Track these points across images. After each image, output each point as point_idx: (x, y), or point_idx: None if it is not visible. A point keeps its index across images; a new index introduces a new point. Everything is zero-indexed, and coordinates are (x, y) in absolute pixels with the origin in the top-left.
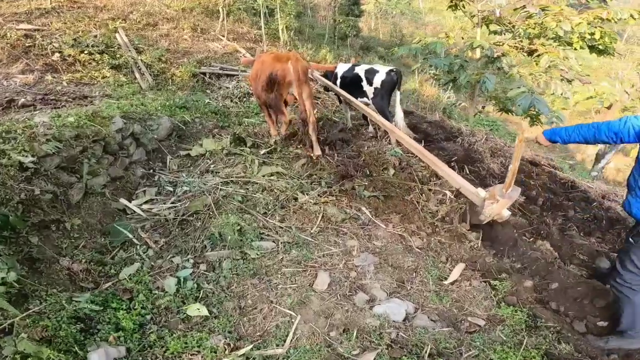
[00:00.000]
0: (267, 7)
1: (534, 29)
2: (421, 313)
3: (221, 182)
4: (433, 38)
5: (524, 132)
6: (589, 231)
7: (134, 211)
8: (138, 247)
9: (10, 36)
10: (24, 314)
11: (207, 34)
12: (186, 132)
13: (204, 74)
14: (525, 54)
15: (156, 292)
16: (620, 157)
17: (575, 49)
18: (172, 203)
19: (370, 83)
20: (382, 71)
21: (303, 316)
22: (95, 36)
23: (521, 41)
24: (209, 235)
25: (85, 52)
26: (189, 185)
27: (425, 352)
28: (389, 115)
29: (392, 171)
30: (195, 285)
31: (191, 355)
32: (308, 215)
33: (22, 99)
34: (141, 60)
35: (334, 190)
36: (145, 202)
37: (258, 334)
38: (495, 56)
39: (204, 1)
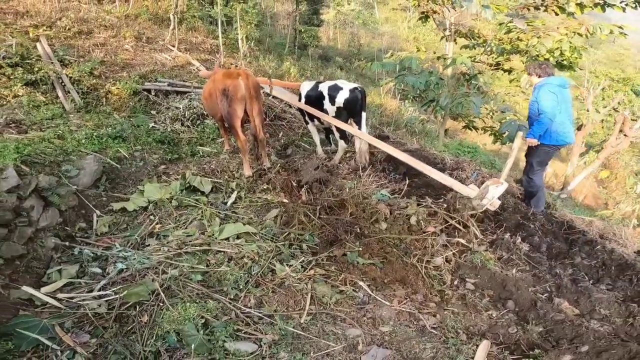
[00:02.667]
0: (225, 15)
1: (506, 44)
2: None
3: (172, 254)
4: (407, 53)
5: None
6: (597, 278)
7: (46, 302)
8: (59, 352)
9: None
10: None
11: (154, 43)
12: (121, 172)
13: (148, 90)
14: (502, 71)
15: None
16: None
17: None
18: (101, 289)
19: (332, 102)
20: (345, 88)
21: None
22: (10, 46)
23: (494, 57)
24: (162, 334)
25: None
26: (125, 262)
27: None
28: (347, 137)
29: (384, 225)
30: None
31: None
32: (293, 295)
33: None
34: (66, 74)
35: (321, 258)
36: (62, 287)
37: None
38: (474, 74)
39: (152, 7)
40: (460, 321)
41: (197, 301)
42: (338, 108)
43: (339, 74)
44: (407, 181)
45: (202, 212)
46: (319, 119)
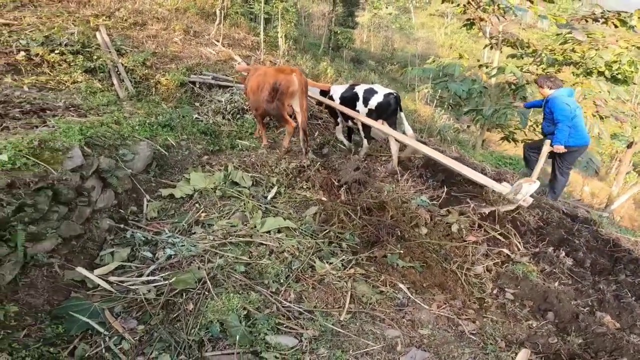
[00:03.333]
0: (266, 12)
1: (558, 55)
2: None
3: (218, 244)
4: (449, 59)
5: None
6: None
7: (98, 284)
8: (107, 337)
9: None
10: None
11: (201, 37)
12: (169, 160)
13: (194, 83)
14: None
15: None
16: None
17: (598, 79)
18: (150, 274)
19: (365, 104)
20: (380, 93)
21: None
22: (72, 34)
23: (543, 68)
24: (206, 324)
25: (57, 51)
26: (174, 248)
27: None
28: (370, 137)
29: (424, 230)
30: None
31: None
32: (332, 293)
33: None
34: (122, 63)
35: (361, 258)
36: (114, 270)
37: None
38: (522, 84)
39: (199, 2)
40: (499, 329)
41: (240, 292)
42: (370, 110)
43: (372, 77)
44: (446, 189)
45: (244, 204)
46: (352, 119)
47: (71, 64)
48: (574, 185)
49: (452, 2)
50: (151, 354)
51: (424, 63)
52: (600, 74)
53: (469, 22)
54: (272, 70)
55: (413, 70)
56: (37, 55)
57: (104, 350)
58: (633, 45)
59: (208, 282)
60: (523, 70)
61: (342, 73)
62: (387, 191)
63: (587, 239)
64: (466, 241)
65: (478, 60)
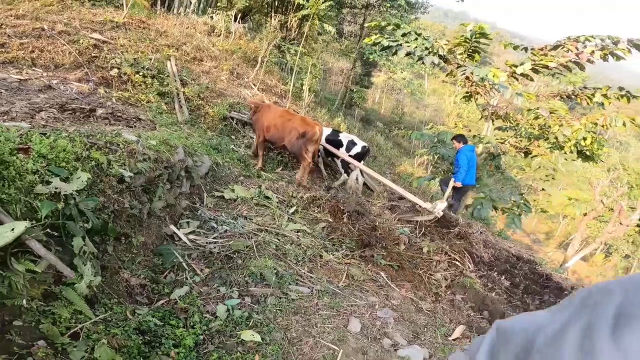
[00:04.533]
0: (297, 65)
1: (535, 129)
2: (436, 358)
3: (256, 229)
4: (445, 127)
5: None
6: None
7: (181, 239)
8: (187, 272)
9: (82, 43)
10: (93, 320)
11: (242, 79)
12: (217, 174)
13: (232, 118)
14: (523, 154)
15: (207, 315)
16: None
17: (566, 152)
18: (214, 238)
19: (348, 150)
20: (359, 144)
21: (344, 350)
22: (150, 59)
23: (521, 140)
24: (249, 273)
25: (140, 73)
26: (229, 226)
27: None
28: (348, 172)
29: (402, 246)
30: (246, 314)
31: None
32: (334, 271)
33: (101, 110)
34: (183, 92)
35: (355, 255)
36: (189, 233)
37: None
38: (497, 153)
39: (244, 47)
40: (447, 313)
41: (273, 259)
42: (350, 155)
43: (378, 138)
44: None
45: (273, 211)
46: (335, 156)
47: (148, 86)
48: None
49: (454, 77)
50: (214, 285)
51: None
52: (570, 149)
53: (467, 95)
54: (299, 120)
55: (413, 134)
56: (125, 74)
57: (184, 279)
58: (592, 123)
59: (254, 247)
60: (504, 142)
61: (352, 131)
62: (378, 221)
63: (526, 272)
64: (432, 259)
65: (469, 131)
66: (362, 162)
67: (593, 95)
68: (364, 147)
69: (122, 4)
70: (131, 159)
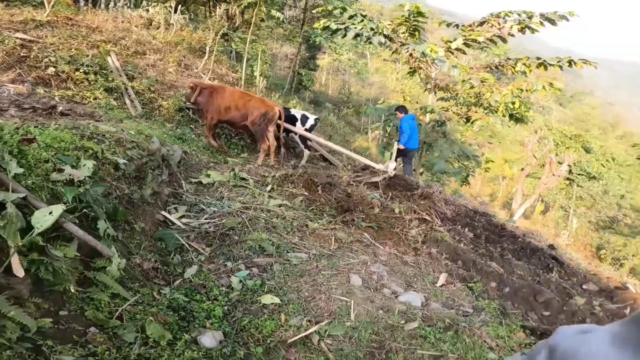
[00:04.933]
0: (247, 52)
1: (472, 97)
2: (431, 302)
3: (242, 207)
4: (395, 101)
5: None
6: (518, 257)
7: (174, 224)
8: (191, 252)
9: (7, 43)
10: (130, 302)
11: (190, 70)
12: (187, 162)
13: (189, 109)
14: (464, 120)
15: (223, 288)
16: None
17: (499, 116)
18: (205, 219)
19: (302, 124)
20: (311, 118)
21: (354, 300)
22: (88, 56)
23: (461, 108)
24: (248, 247)
25: (80, 70)
26: (216, 207)
27: (447, 323)
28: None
29: (377, 209)
30: (259, 282)
31: (283, 331)
32: (322, 237)
33: (61, 107)
34: (132, 87)
35: (338, 220)
36: (180, 217)
37: (326, 313)
38: (442, 121)
39: (188, 38)
40: (428, 264)
41: (265, 232)
42: (305, 129)
43: (331, 118)
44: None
45: (251, 191)
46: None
47: (92, 83)
48: None
49: (399, 54)
50: (220, 261)
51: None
52: (502, 113)
53: (412, 70)
54: (259, 100)
55: (368, 109)
56: (63, 72)
57: (190, 259)
58: (517, 88)
59: (247, 223)
60: (447, 110)
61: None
62: (350, 189)
63: (484, 224)
64: (404, 218)
65: (417, 102)
66: (313, 133)
67: (516, 64)
68: (316, 119)
69: (41, 3)
70: (120, 147)
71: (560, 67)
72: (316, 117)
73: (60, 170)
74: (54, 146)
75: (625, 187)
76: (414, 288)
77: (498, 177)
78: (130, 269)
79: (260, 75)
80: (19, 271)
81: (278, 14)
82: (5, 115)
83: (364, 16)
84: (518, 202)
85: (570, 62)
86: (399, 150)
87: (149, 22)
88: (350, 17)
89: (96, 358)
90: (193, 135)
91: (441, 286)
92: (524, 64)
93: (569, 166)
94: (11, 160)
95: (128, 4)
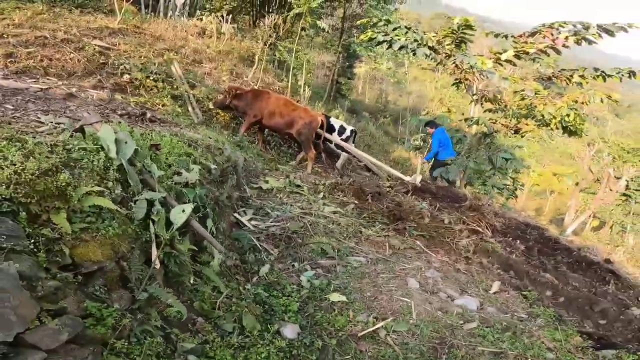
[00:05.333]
0: (293, 62)
1: (522, 109)
2: (487, 306)
3: (302, 213)
4: (440, 112)
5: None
6: (573, 270)
7: (245, 225)
8: (262, 252)
9: (88, 50)
10: (225, 295)
11: (241, 78)
12: (247, 168)
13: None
14: (512, 132)
15: (294, 286)
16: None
17: (552, 129)
18: (271, 222)
19: (340, 134)
20: (348, 128)
21: (414, 302)
22: (154, 64)
23: (511, 120)
24: (310, 249)
25: (151, 78)
26: (280, 211)
27: (504, 325)
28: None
29: (427, 219)
30: (325, 282)
31: (352, 326)
32: (376, 243)
33: (149, 114)
34: (193, 95)
35: (390, 228)
36: (250, 220)
37: (389, 312)
38: (490, 132)
39: (238, 47)
40: (480, 273)
41: (325, 236)
42: (341, 139)
43: (370, 127)
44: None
45: (307, 197)
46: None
47: (160, 90)
48: None
49: (444, 66)
50: (287, 262)
51: (415, 116)
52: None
53: (457, 81)
54: (304, 109)
55: (413, 119)
56: (136, 79)
57: (263, 258)
58: (573, 100)
59: (308, 227)
60: (495, 122)
61: (351, 122)
62: (398, 199)
63: (536, 236)
64: (453, 228)
65: (462, 114)
66: (353, 144)
67: (572, 76)
68: (352, 130)
69: (110, 11)
70: (209, 154)
71: (620, 78)
72: (353, 128)
73: (179, 174)
74: (174, 152)
75: None
76: (469, 293)
77: (545, 192)
78: (218, 265)
79: (305, 84)
80: (157, 262)
81: (323, 25)
82: (111, 119)
83: (408, 28)
84: (571, 217)
85: (630, 74)
86: (436, 161)
87: (203, 31)
88: (395, 29)
89: (208, 345)
90: (247, 142)
91: (494, 293)
92: (581, 76)
93: (627, 181)
94: (151, 164)
95: (182, 13)
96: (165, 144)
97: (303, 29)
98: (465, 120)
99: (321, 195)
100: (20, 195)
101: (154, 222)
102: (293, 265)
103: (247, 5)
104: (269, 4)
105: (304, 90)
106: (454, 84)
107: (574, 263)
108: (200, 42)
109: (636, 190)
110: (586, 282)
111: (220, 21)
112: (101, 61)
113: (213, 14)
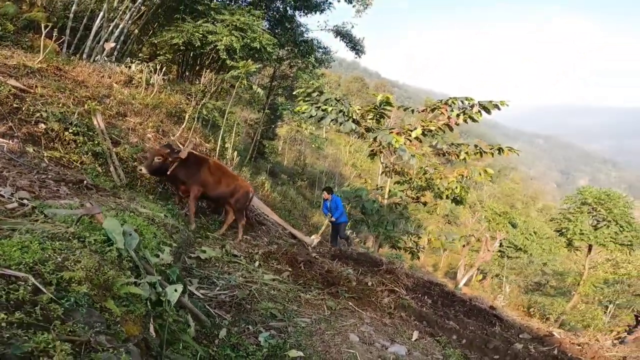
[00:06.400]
0: (223, 124)
1: (423, 182)
2: (413, 351)
3: (244, 281)
4: (359, 184)
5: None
6: (468, 316)
7: (194, 294)
8: (216, 317)
9: (2, 91)
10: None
11: (167, 137)
12: (181, 237)
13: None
14: (414, 202)
15: (254, 346)
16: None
17: (443, 199)
18: (218, 291)
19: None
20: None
21: (358, 352)
22: (74, 113)
23: (413, 191)
24: (260, 314)
25: (70, 130)
26: (224, 280)
27: None
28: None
29: (354, 283)
30: (281, 341)
31: None
32: (315, 306)
33: (85, 181)
34: (116, 153)
35: (325, 292)
36: (197, 289)
37: None
38: (404, 204)
39: (166, 101)
40: (401, 325)
41: (270, 301)
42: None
43: (291, 192)
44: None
45: (245, 266)
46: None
47: (79, 145)
48: None
49: (365, 139)
50: (242, 325)
51: (330, 180)
52: (447, 196)
53: (372, 153)
54: (240, 178)
55: (338, 192)
56: (52, 130)
57: (219, 323)
58: (460, 175)
59: (255, 294)
60: (404, 192)
61: (265, 184)
62: (327, 266)
63: (438, 292)
64: (376, 290)
65: (377, 185)
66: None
67: (459, 153)
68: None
69: (30, 46)
70: (166, 232)
71: (492, 154)
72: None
73: (157, 256)
74: (146, 236)
75: (547, 256)
76: (397, 342)
77: (439, 249)
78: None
79: (232, 146)
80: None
81: (259, 90)
82: (60, 192)
83: (338, 100)
84: (462, 272)
85: (500, 150)
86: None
87: (130, 79)
88: (326, 101)
89: None
90: (176, 210)
91: (415, 340)
92: (466, 152)
93: (500, 241)
94: (145, 250)
95: (112, 58)
96: (141, 227)
97: (235, 91)
98: (377, 189)
99: (257, 263)
100: (94, 293)
101: (150, 300)
102: (248, 328)
103: (179, 56)
104: (201, 57)
105: (232, 153)
106: (369, 155)
107: (468, 311)
108: (126, 92)
109: (508, 247)
110: (479, 326)
111: (151, 71)
112: (15, 105)
113: (145, 62)
